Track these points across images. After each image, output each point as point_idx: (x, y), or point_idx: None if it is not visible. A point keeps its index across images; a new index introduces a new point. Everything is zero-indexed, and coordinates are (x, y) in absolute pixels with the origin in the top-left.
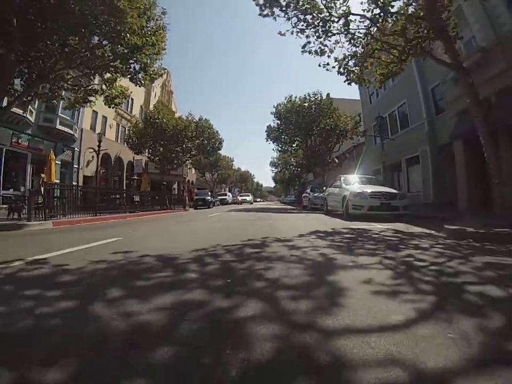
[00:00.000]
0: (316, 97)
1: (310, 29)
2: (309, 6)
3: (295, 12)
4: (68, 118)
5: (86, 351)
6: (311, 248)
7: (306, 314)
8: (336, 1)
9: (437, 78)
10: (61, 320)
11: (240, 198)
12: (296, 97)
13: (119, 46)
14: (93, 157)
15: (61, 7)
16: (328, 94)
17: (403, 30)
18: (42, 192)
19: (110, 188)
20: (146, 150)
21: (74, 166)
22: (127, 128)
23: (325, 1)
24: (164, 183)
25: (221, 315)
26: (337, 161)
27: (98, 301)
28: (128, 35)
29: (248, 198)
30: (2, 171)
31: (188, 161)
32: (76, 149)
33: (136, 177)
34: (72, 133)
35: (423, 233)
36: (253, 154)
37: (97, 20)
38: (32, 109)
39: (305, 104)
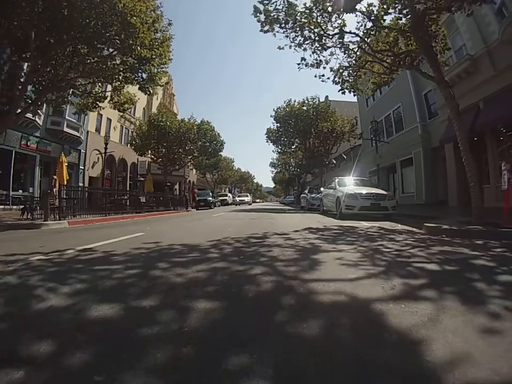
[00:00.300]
0: (314, 101)
1: (307, 44)
2: (306, 21)
3: (293, 27)
4: (74, 120)
5: (162, 292)
6: (302, 239)
7: (293, 273)
8: (332, 16)
9: (429, 83)
10: (135, 278)
11: (238, 199)
12: (295, 101)
13: (129, 58)
14: (98, 158)
15: (76, 21)
16: (326, 96)
17: (392, 45)
18: (55, 193)
19: (118, 189)
20: (150, 152)
21: (80, 167)
22: (130, 130)
23: (320, 17)
24: (168, 184)
25: (239, 273)
26: (335, 162)
27: (154, 269)
28: (138, 48)
29: (246, 199)
30: (11, 172)
31: (189, 163)
32: (82, 150)
33: (141, 179)
34: (79, 135)
35: (404, 230)
36: (253, 154)
37: (110, 33)
38: (40, 112)
39: (303, 107)
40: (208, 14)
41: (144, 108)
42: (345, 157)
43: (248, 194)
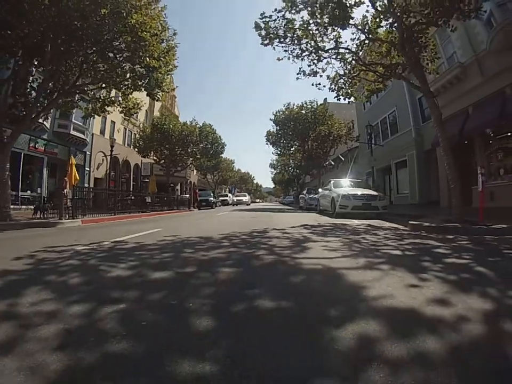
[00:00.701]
0: (312, 104)
1: (304, 56)
2: (303, 34)
3: (291, 41)
4: (80, 123)
5: (195, 265)
6: (297, 233)
7: (286, 254)
8: (327, 29)
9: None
10: (172, 258)
11: (235, 199)
12: (294, 104)
13: (138, 67)
14: (103, 160)
15: (90, 34)
16: (325, 99)
17: (384, 54)
18: (66, 194)
19: (126, 190)
20: (152, 153)
21: (86, 168)
22: (133, 132)
23: (317, 30)
24: (171, 184)
25: (247, 254)
26: (333, 163)
27: (183, 253)
28: (147, 59)
29: (244, 199)
30: (20, 174)
31: (191, 164)
32: (87, 152)
33: (147, 180)
34: (85, 138)
35: (389, 227)
36: (253, 155)
37: (121, 46)
38: (48, 116)
39: (302, 111)
40: (216, 25)
41: (146, 110)
42: (342, 159)
43: (246, 194)
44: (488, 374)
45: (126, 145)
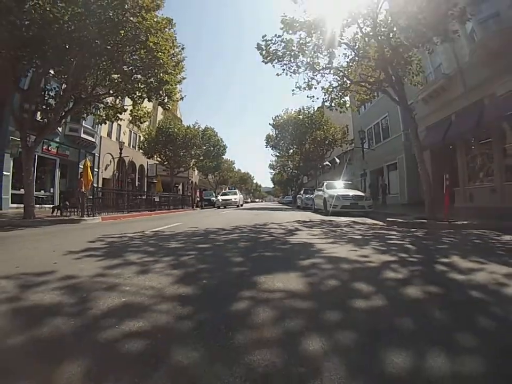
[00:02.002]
0: (309, 110)
1: (300, 72)
2: (299, 51)
3: (289, 60)
4: (90, 127)
5: (220, 241)
6: (290, 226)
7: (281, 237)
8: (321, 48)
9: (413, 96)
10: (203, 238)
11: (220, 199)
12: (292, 109)
13: (152, 80)
14: (110, 161)
15: (111, 53)
16: (323, 102)
17: (372, 69)
18: (86, 193)
19: (137, 190)
20: (157, 155)
21: (95, 170)
22: (138, 134)
23: (312, 50)
24: (176, 185)
25: (253, 236)
26: (330, 165)
27: (210, 236)
28: (161, 74)
29: (233, 198)
30: (35, 175)
31: (194, 166)
32: (96, 154)
33: (155, 181)
34: (94, 141)
35: (370, 223)
36: (253, 155)
37: (139, 64)
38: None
39: (299, 116)
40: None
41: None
42: (338, 161)
43: (237, 191)
44: (369, 278)
45: (131, 147)
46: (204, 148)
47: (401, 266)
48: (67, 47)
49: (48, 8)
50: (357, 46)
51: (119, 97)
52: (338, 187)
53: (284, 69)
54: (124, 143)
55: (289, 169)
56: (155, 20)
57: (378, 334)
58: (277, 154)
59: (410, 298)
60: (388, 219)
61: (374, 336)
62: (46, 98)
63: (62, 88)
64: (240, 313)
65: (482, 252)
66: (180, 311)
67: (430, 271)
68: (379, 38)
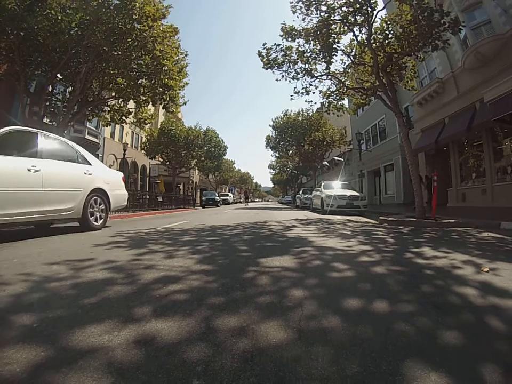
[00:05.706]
0: (308, 112)
1: (299, 77)
2: (298, 57)
3: (288, 67)
4: (94, 128)
5: (227, 235)
6: (288, 223)
7: (279, 232)
8: (319, 55)
9: (409, 98)
10: (210, 233)
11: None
12: (291, 111)
13: (156, 85)
14: (113, 161)
15: (119, 60)
16: (322, 103)
17: (367, 75)
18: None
19: (143, 190)
20: (159, 155)
21: None
22: (140, 135)
23: (310, 57)
24: (178, 185)
25: (255, 231)
26: (328, 165)
27: (217, 231)
28: (166, 79)
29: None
30: None
31: (195, 166)
32: (99, 155)
33: (158, 181)
34: (97, 141)
35: (363, 221)
36: (252, 155)
37: (146, 70)
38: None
39: (299, 118)
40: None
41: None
42: (339, 159)
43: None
44: (347, 261)
45: (133, 147)
46: (205, 148)
47: (376, 253)
48: (76, 53)
49: (59, 17)
50: (353, 53)
51: (125, 101)
52: (336, 187)
53: (283, 76)
54: (127, 144)
55: (288, 169)
56: (161, 28)
57: (342, 290)
58: (277, 155)
59: (375, 273)
60: (380, 217)
61: (339, 291)
62: (54, 101)
63: (70, 91)
64: (249, 279)
65: (454, 245)
66: (206, 278)
67: (399, 257)
68: (374, 45)
